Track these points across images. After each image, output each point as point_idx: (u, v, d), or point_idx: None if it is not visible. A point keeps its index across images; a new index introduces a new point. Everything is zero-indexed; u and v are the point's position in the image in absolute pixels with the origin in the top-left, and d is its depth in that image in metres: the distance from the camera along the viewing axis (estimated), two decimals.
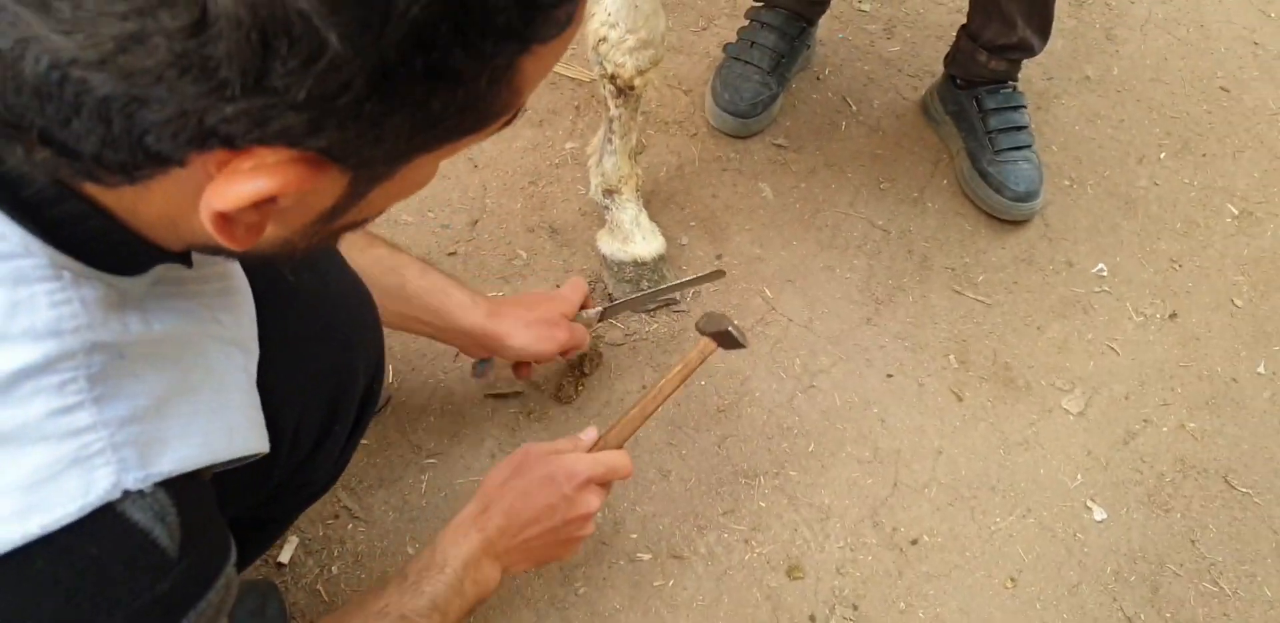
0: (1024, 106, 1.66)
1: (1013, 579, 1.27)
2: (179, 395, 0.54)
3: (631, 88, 1.25)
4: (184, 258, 0.57)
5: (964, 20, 1.61)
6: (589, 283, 1.43)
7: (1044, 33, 1.57)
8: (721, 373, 1.37)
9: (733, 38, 1.70)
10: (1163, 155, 1.78)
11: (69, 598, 0.46)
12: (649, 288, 1.38)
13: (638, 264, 1.39)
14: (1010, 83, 1.65)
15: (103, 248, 0.49)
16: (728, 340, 1.10)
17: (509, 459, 0.97)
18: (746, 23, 1.70)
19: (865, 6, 1.91)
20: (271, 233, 0.49)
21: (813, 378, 1.40)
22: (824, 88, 1.76)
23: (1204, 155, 1.79)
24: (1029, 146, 1.63)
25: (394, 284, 1.03)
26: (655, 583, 1.19)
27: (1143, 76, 1.90)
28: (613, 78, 1.23)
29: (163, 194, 0.45)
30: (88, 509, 0.46)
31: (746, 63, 1.64)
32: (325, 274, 0.83)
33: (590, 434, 1.03)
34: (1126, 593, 1.28)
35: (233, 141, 0.39)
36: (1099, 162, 1.74)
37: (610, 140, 1.36)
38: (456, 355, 1.31)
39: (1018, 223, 1.63)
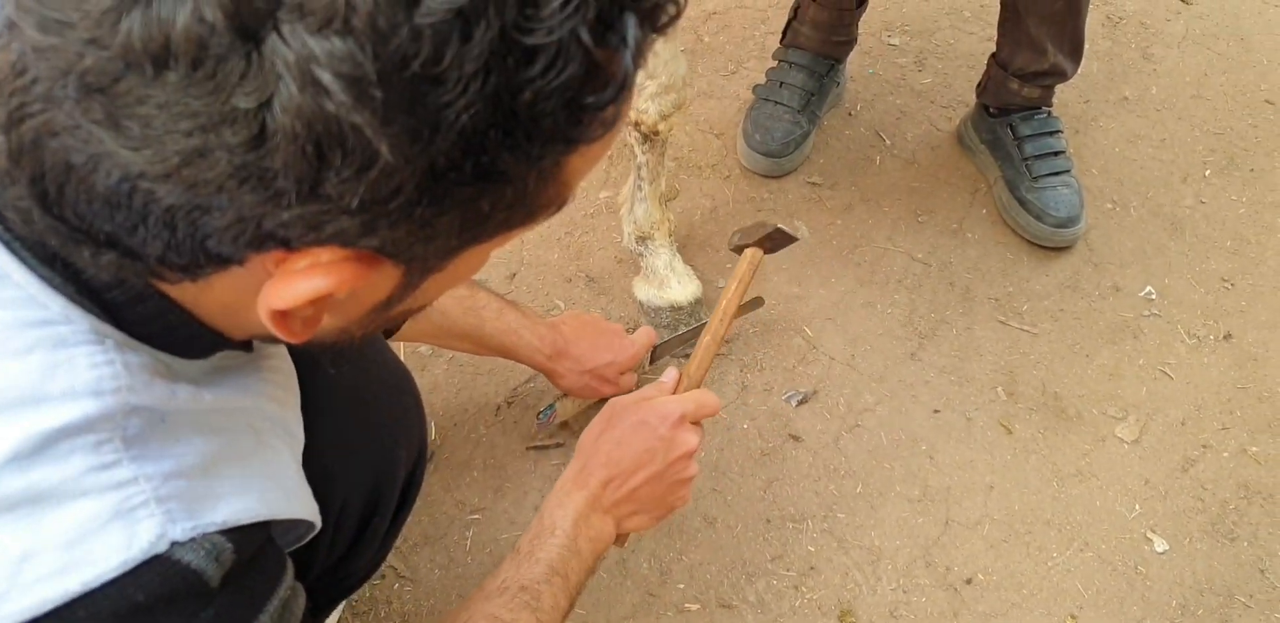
0: (1060, 131, 1.65)
1: (1073, 616, 1.24)
2: (229, 461, 0.54)
3: (656, 133, 1.28)
4: (245, 345, 0.59)
5: (994, 48, 1.62)
6: (627, 329, 1.45)
7: (1076, 57, 1.57)
8: (764, 415, 1.37)
9: (762, 80, 1.73)
10: (1208, 173, 1.74)
11: None
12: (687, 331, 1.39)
13: (674, 309, 1.41)
14: (1045, 108, 1.65)
15: (161, 329, 0.50)
16: (777, 239, 1.11)
17: (598, 416, 0.97)
18: (775, 64, 1.72)
19: (894, 40, 1.92)
20: (328, 324, 0.50)
21: (858, 417, 1.39)
22: (856, 124, 1.77)
23: (1251, 170, 1.75)
24: (1068, 171, 1.62)
25: (472, 324, 1.11)
26: None
27: (1183, 94, 1.87)
28: (637, 124, 1.26)
29: (222, 289, 0.47)
30: (130, 564, 0.46)
31: (776, 103, 1.66)
32: (366, 366, 0.83)
33: (670, 375, 1.02)
34: None
35: (289, 243, 0.41)
36: (1142, 183, 1.72)
37: (640, 187, 1.38)
38: (498, 409, 1.34)
39: (1061, 249, 1.61)
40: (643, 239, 1.44)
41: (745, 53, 1.88)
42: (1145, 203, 1.69)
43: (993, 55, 1.62)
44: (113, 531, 0.46)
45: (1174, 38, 1.97)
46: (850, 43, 1.71)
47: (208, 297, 0.49)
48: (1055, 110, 1.67)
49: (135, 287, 0.48)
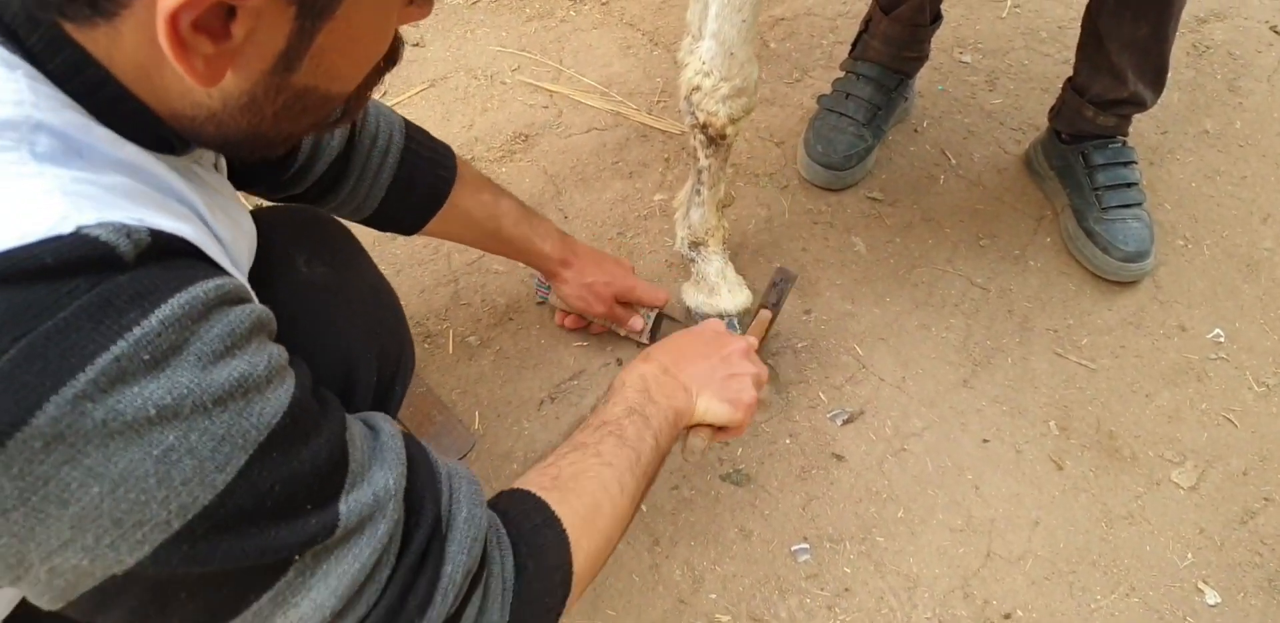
0: (1135, 162, 1.69)
1: None
2: (161, 207, 0.55)
3: (723, 137, 1.33)
4: (178, 148, 0.63)
5: (1070, 72, 1.66)
6: None
7: (1158, 86, 1.61)
8: (807, 432, 1.42)
9: (827, 90, 1.78)
10: None
11: (23, 294, 0.47)
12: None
13: (723, 318, 1.46)
14: (1120, 137, 1.69)
15: (83, 87, 0.54)
16: (775, 287, 1.34)
17: None
18: (842, 75, 1.78)
19: (966, 58, 1.97)
20: (234, 84, 0.55)
21: (904, 441, 1.43)
22: (922, 140, 1.82)
23: None
24: (1139, 204, 1.66)
25: (491, 228, 1.25)
26: None
27: (1270, 130, 1.91)
28: (704, 127, 1.31)
29: (132, 35, 0.52)
30: (30, 238, 0.47)
31: (841, 114, 1.72)
32: (343, 273, 0.87)
33: None
34: None
35: None
36: (1218, 221, 1.76)
37: (698, 191, 1.44)
38: (541, 404, 1.39)
39: (1126, 284, 1.65)
40: (696, 245, 1.49)
41: (811, 61, 1.94)
42: (1220, 242, 1.73)
43: (1069, 79, 1.67)
44: (9, 208, 0.48)
45: (1264, 71, 2.01)
46: (921, 59, 1.76)
47: (120, 50, 0.53)
48: (1131, 140, 1.71)
49: (50, 33, 0.52)
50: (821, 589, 1.28)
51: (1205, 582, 1.35)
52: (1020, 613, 1.29)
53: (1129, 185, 1.66)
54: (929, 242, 1.67)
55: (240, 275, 0.67)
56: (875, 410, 1.46)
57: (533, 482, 0.81)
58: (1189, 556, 1.37)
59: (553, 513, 0.78)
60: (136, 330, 0.49)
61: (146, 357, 0.50)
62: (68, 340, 0.47)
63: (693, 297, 1.48)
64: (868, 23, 1.75)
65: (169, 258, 0.53)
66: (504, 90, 1.85)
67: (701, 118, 1.30)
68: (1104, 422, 1.49)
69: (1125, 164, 1.68)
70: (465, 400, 1.41)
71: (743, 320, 1.48)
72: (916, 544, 1.33)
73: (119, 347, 0.49)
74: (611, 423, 0.91)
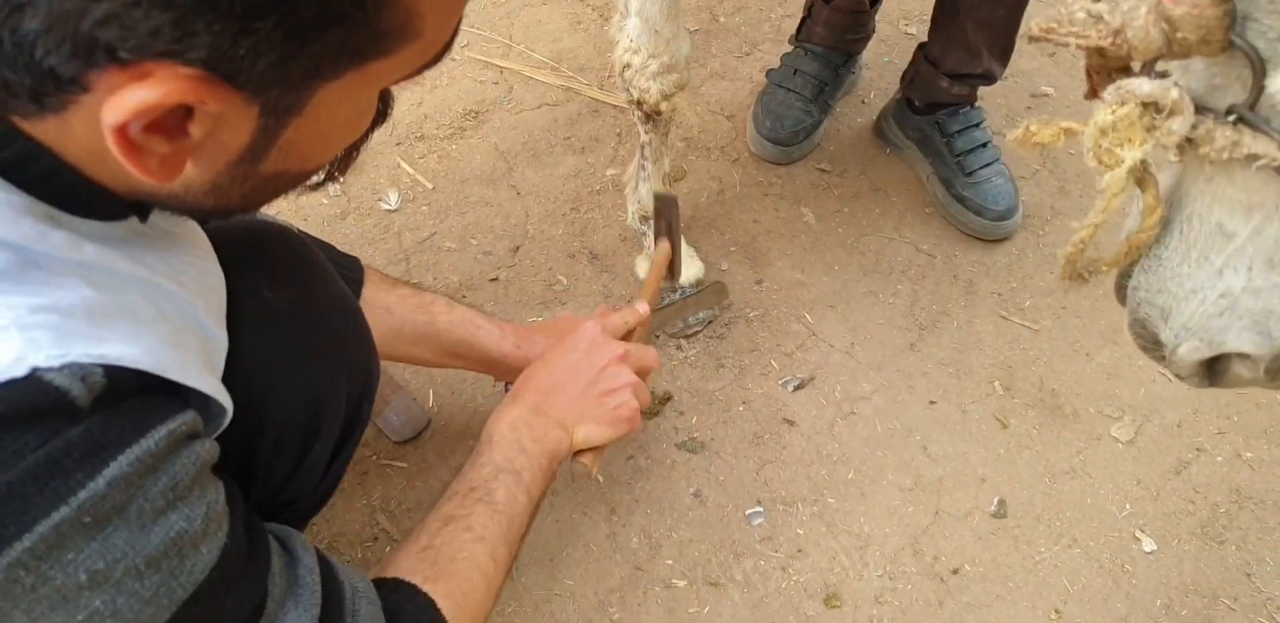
0: (984, 120, 1.68)
1: (1057, 611, 1.30)
2: (119, 316, 0.54)
3: (659, 113, 1.32)
4: (141, 210, 0.61)
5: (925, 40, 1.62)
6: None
7: (1005, 62, 1.59)
8: (759, 399, 1.43)
9: (776, 63, 1.77)
10: None
11: None
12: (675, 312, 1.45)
13: (675, 291, 1.46)
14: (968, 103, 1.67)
15: (38, 177, 0.51)
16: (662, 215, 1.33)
17: None
18: (790, 49, 1.77)
19: (912, 29, 1.97)
20: (195, 174, 0.52)
21: (854, 405, 1.45)
22: (869, 111, 1.82)
23: None
24: (998, 160, 1.65)
25: (423, 320, 1.10)
26: (690, 610, 1.24)
27: None
28: (639, 103, 1.30)
29: (81, 125, 0.48)
30: None
31: (789, 90, 1.71)
32: (308, 293, 0.84)
33: None
34: None
35: (115, 54, 0.43)
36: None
37: (644, 166, 1.43)
38: (495, 380, 1.39)
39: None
40: (646, 219, 1.49)
41: (760, 35, 1.93)
42: None
43: (923, 47, 1.63)
44: None
45: None
46: (866, 38, 1.75)
47: (71, 139, 0.50)
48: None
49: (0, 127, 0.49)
50: (775, 551, 1.30)
51: (1142, 530, 1.38)
52: (968, 567, 1.32)
53: (984, 145, 1.65)
54: (876, 211, 1.68)
55: (212, 336, 0.67)
56: (825, 376, 1.47)
57: (415, 571, 0.82)
58: (1127, 506, 1.40)
59: (439, 614, 0.79)
60: (82, 494, 0.49)
61: (88, 519, 0.50)
62: (10, 506, 0.47)
63: (646, 270, 1.48)
64: (810, 8, 1.72)
65: (126, 398, 0.52)
66: (453, 67, 1.82)
67: (635, 95, 1.29)
68: (1046, 380, 1.51)
69: (977, 125, 1.67)
70: (419, 378, 1.41)
71: (697, 288, 1.48)
72: (867, 505, 1.35)
73: (61, 513, 0.48)
74: (480, 488, 0.90)
